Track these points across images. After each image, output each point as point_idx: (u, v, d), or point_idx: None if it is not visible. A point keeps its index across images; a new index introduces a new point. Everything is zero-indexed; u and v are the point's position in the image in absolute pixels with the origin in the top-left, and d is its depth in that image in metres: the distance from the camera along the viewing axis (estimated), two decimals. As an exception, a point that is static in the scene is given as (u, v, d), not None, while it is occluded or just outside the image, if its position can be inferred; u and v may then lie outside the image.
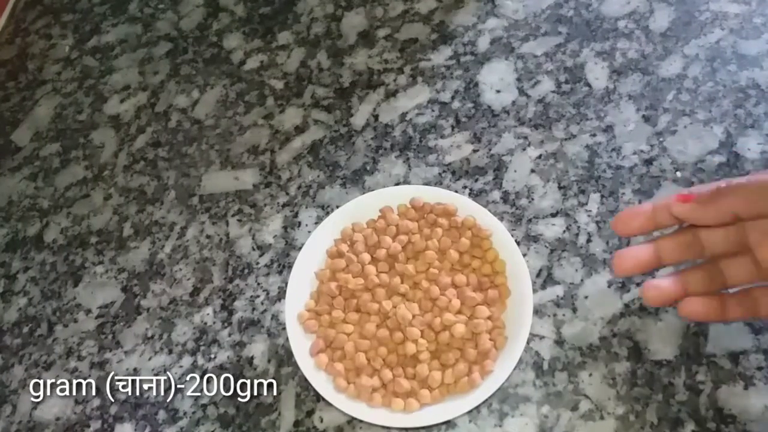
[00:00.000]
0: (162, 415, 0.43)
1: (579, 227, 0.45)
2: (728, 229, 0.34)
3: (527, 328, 0.38)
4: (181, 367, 0.45)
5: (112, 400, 0.44)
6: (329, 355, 0.40)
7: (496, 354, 0.38)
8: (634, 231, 0.36)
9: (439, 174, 0.49)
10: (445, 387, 0.38)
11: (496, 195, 0.47)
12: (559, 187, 0.47)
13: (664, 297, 0.36)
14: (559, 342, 0.41)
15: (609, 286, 0.42)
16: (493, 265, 0.41)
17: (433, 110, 0.53)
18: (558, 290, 0.43)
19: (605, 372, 0.39)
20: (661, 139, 0.47)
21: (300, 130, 0.54)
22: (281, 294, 0.46)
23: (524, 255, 0.41)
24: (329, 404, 0.39)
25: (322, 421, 0.41)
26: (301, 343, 0.40)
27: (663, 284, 0.36)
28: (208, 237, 0.50)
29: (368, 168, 0.51)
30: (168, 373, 0.45)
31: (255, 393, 0.43)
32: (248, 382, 0.43)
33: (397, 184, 0.49)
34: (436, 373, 0.38)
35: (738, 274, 0.35)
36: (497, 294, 0.40)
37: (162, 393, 0.44)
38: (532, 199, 0.47)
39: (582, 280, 0.43)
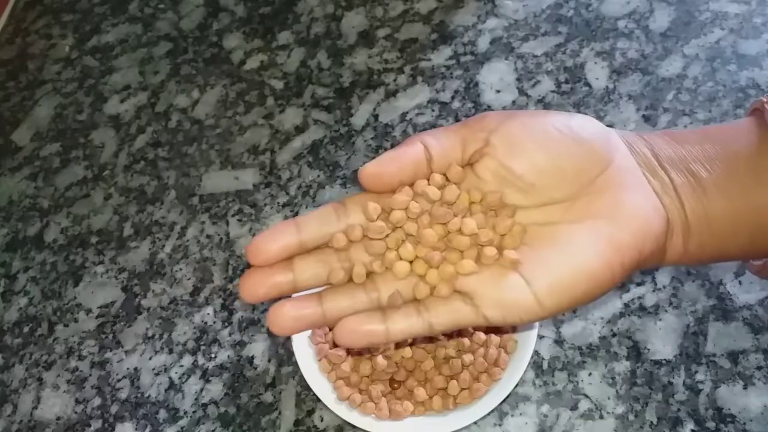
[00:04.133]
0: (162, 414, 0.43)
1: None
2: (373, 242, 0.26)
3: (533, 338, 0.37)
4: (181, 366, 0.45)
5: (113, 400, 0.44)
6: (335, 359, 0.39)
7: (507, 360, 0.38)
8: (273, 257, 0.26)
9: (439, 174, 0.49)
10: (451, 398, 0.37)
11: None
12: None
13: (301, 324, 0.25)
14: (559, 341, 0.41)
15: (609, 286, 0.42)
16: None
17: (433, 110, 0.53)
18: (558, 290, 0.43)
19: (605, 371, 0.39)
20: (660, 139, 0.47)
21: (300, 129, 0.54)
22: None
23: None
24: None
25: (322, 420, 0.41)
26: (302, 344, 0.40)
27: (300, 307, 0.25)
28: (208, 237, 0.50)
29: (368, 168, 0.51)
30: (168, 372, 0.45)
31: (255, 392, 0.43)
32: (248, 381, 0.43)
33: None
34: (450, 385, 0.37)
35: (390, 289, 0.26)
36: None
37: (162, 392, 0.44)
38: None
39: (582, 280, 0.43)
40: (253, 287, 0.26)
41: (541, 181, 0.25)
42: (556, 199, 0.26)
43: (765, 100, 0.28)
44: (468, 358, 0.37)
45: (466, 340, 0.38)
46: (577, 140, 0.26)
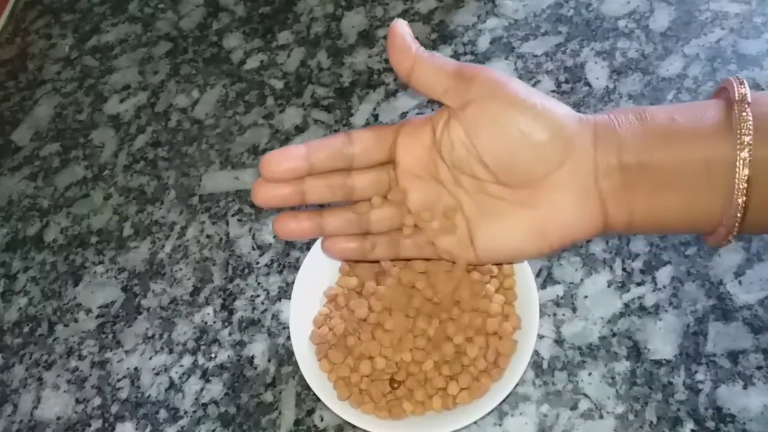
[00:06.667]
0: (163, 414, 0.43)
1: (579, 227, 0.45)
2: (378, 173, 0.33)
3: (533, 338, 0.37)
4: (181, 366, 0.45)
5: (113, 400, 0.44)
6: (334, 359, 0.38)
7: (507, 360, 0.37)
8: (284, 174, 0.31)
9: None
10: (451, 398, 0.37)
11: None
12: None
13: (297, 231, 0.33)
14: (559, 341, 0.41)
15: (609, 286, 0.42)
16: (501, 269, 0.40)
17: (433, 110, 0.53)
18: (558, 290, 0.43)
19: (605, 371, 0.39)
20: (660, 139, 0.47)
21: (300, 129, 0.54)
22: (281, 293, 0.46)
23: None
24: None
25: (322, 420, 0.41)
26: (302, 344, 0.40)
27: (300, 219, 0.33)
28: (208, 237, 0.50)
29: (368, 168, 0.51)
30: (168, 372, 0.45)
31: (255, 392, 0.43)
32: (249, 381, 0.43)
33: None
34: (450, 385, 0.37)
35: (382, 221, 0.34)
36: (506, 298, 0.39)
37: (162, 392, 0.44)
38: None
39: (582, 280, 0.43)
40: (267, 195, 0.31)
41: (496, 167, 0.30)
42: (506, 182, 0.31)
43: (734, 81, 0.29)
44: (468, 358, 0.37)
45: (466, 340, 0.37)
46: (535, 146, 0.29)
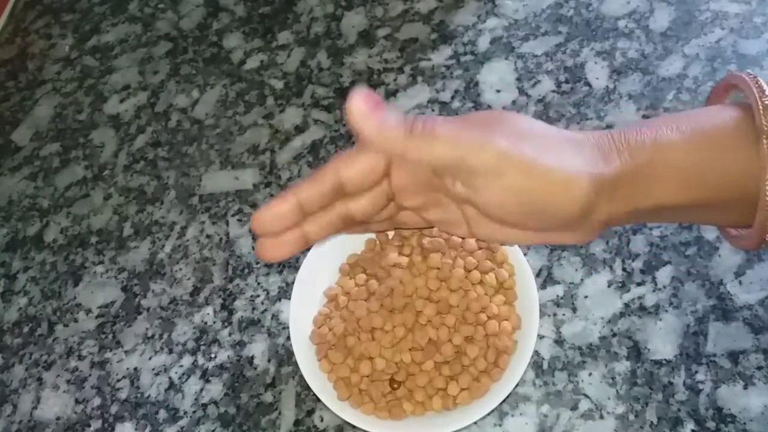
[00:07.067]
0: (162, 414, 0.43)
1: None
2: (375, 192, 0.31)
3: (533, 338, 0.37)
4: (181, 366, 0.45)
5: (113, 400, 0.44)
6: (335, 359, 0.38)
7: (507, 360, 0.37)
8: (279, 228, 0.30)
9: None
10: (451, 398, 0.37)
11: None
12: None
13: (282, 255, 0.30)
14: (559, 341, 0.41)
15: (609, 286, 0.42)
16: (504, 267, 0.40)
17: (433, 110, 0.53)
18: (558, 290, 0.43)
19: (605, 371, 0.39)
20: (661, 139, 0.47)
21: (300, 129, 0.54)
22: (281, 294, 0.46)
23: (524, 255, 0.41)
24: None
25: (322, 420, 0.41)
26: (302, 345, 0.40)
27: (281, 242, 0.30)
28: (208, 237, 0.50)
29: (368, 168, 0.51)
30: (168, 372, 0.45)
31: (255, 392, 0.43)
32: (248, 381, 0.43)
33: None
34: (450, 385, 0.37)
35: (364, 209, 0.31)
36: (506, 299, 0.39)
37: (162, 392, 0.44)
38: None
39: (582, 280, 0.43)
40: (273, 250, 0.30)
41: (504, 218, 0.29)
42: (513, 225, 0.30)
43: (746, 77, 0.28)
44: (468, 359, 0.37)
45: (466, 341, 0.37)
46: (551, 219, 0.28)
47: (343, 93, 0.55)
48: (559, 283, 0.43)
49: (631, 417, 0.38)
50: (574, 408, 0.39)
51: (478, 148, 0.27)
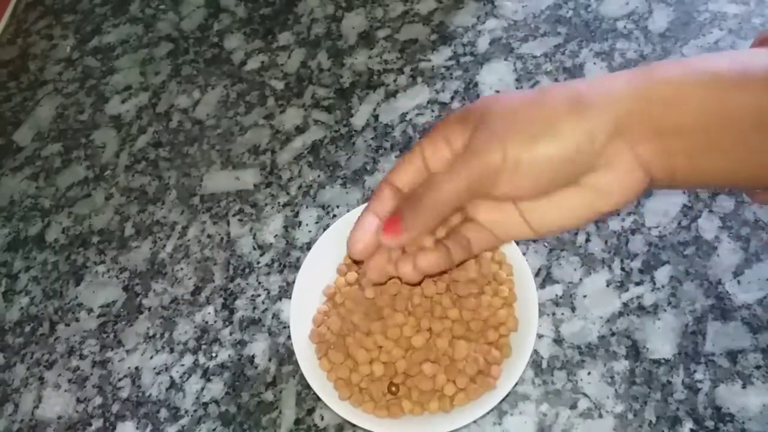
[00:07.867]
0: (163, 413, 0.43)
1: (578, 227, 0.45)
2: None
3: (532, 337, 0.37)
4: (182, 365, 0.45)
5: (114, 399, 0.45)
6: (334, 358, 0.39)
7: (504, 360, 0.37)
8: (365, 256, 0.31)
9: (439, 174, 0.49)
10: (449, 399, 0.37)
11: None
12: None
13: (411, 275, 0.31)
14: (558, 341, 0.41)
15: (608, 286, 0.42)
16: (501, 267, 0.40)
17: (433, 110, 0.53)
18: (557, 289, 0.43)
19: (604, 370, 0.40)
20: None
21: (300, 130, 0.54)
22: (282, 293, 0.46)
23: (523, 254, 0.41)
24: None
25: (322, 419, 0.41)
26: (303, 344, 0.40)
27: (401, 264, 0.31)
28: (209, 236, 0.50)
29: (368, 168, 0.51)
30: (169, 371, 0.45)
31: (256, 391, 0.43)
32: (249, 380, 0.43)
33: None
34: (446, 386, 0.37)
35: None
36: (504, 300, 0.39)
37: (163, 391, 0.44)
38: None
39: (581, 279, 0.43)
40: (381, 272, 0.31)
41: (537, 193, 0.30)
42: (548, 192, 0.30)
43: None
44: (466, 359, 0.37)
45: (462, 342, 0.38)
46: (568, 171, 0.28)
47: (343, 93, 0.56)
48: (558, 282, 0.43)
49: (630, 416, 0.38)
50: (573, 407, 0.39)
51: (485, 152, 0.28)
